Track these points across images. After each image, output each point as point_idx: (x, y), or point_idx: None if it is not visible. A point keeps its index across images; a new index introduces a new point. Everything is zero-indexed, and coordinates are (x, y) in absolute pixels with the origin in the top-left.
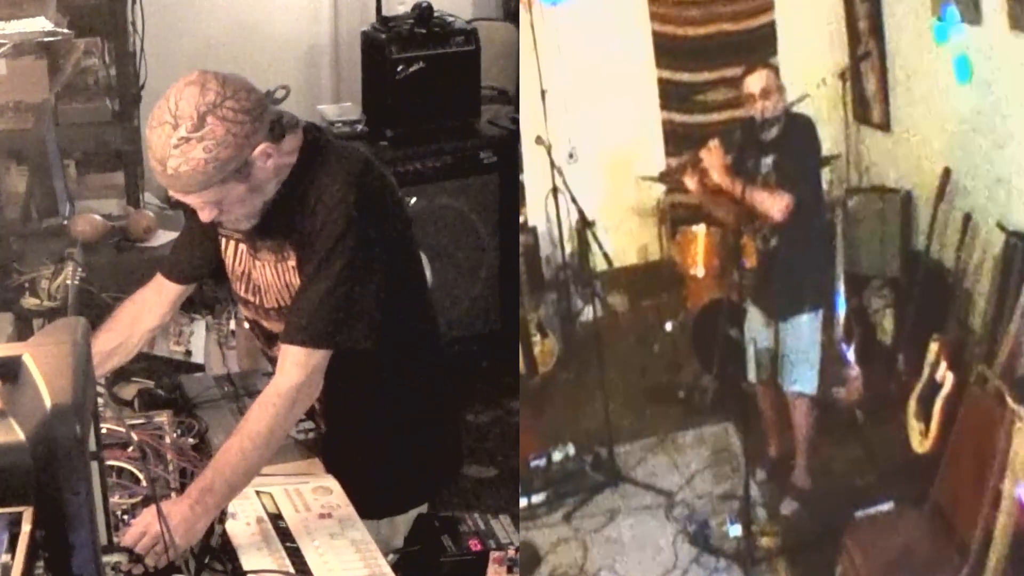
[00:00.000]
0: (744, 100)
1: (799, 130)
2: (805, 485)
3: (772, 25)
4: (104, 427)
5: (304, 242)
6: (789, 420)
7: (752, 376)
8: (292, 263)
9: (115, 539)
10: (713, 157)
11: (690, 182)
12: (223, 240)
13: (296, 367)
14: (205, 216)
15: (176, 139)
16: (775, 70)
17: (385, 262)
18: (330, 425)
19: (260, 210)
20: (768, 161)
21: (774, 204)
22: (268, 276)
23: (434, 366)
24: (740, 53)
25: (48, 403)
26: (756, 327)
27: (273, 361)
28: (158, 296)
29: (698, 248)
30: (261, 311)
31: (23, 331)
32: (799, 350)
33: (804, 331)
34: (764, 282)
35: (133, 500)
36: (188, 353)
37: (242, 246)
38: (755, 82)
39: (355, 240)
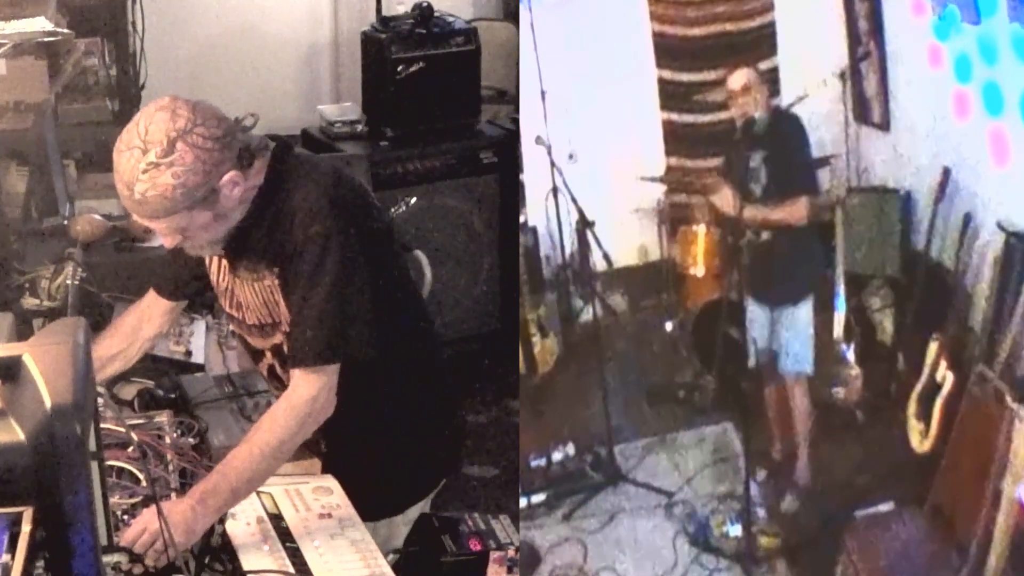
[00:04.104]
0: (728, 97)
1: (787, 127)
2: (805, 478)
3: (772, 25)
4: (104, 427)
5: (286, 261)
6: (789, 408)
7: (752, 361)
8: (268, 282)
9: (115, 539)
10: (724, 198)
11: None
12: (208, 256)
13: (307, 384)
14: (168, 243)
15: (145, 164)
16: (755, 68)
17: (371, 267)
18: (329, 439)
19: (225, 236)
20: (757, 157)
21: (793, 214)
22: (248, 294)
23: (432, 368)
24: (740, 53)
25: (48, 403)
26: (755, 313)
27: (263, 375)
28: (155, 308)
29: (698, 248)
30: (244, 326)
31: (23, 331)
32: (796, 331)
33: (800, 316)
34: (760, 270)
35: (133, 500)
36: (188, 353)
37: (224, 262)
38: (736, 80)
39: (339, 251)
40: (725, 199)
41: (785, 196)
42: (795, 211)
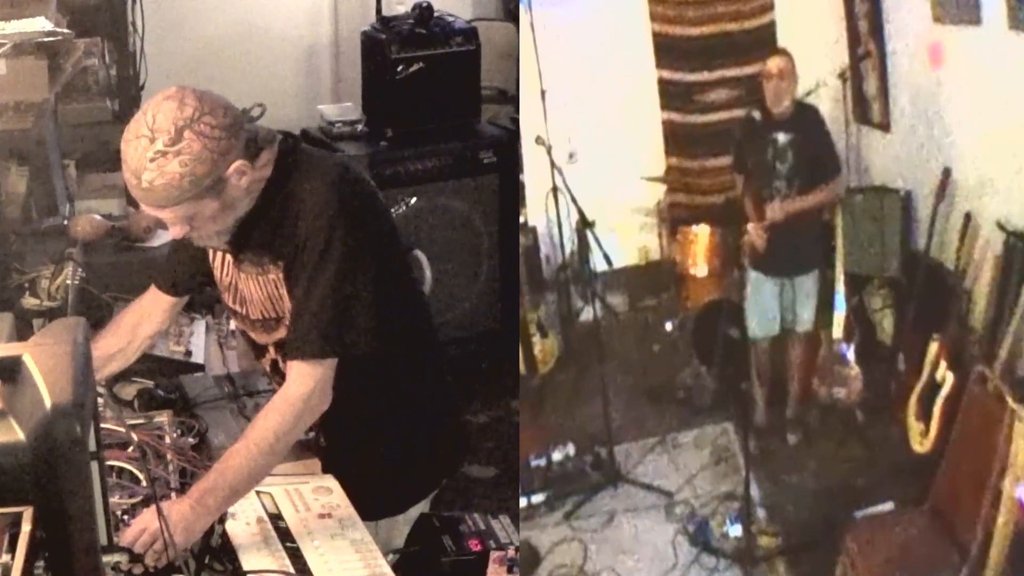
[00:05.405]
0: (764, 77)
1: (808, 115)
2: (794, 414)
3: (772, 25)
4: (104, 427)
5: (290, 254)
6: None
7: (759, 332)
8: (273, 276)
9: (115, 539)
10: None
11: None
12: (211, 251)
13: (304, 377)
14: (176, 232)
15: (152, 152)
16: (791, 58)
17: (374, 263)
18: (328, 435)
19: (231, 227)
20: (782, 137)
21: (827, 194)
22: (252, 288)
23: (431, 367)
24: (740, 53)
25: (48, 403)
26: (764, 284)
27: (265, 371)
28: (155, 305)
29: (698, 248)
30: (247, 322)
31: (23, 331)
32: (803, 296)
33: (806, 283)
34: (773, 246)
35: (133, 500)
36: (188, 353)
37: (228, 257)
38: (774, 64)
39: (342, 245)
40: (743, 192)
41: (812, 184)
42: (828, 192)
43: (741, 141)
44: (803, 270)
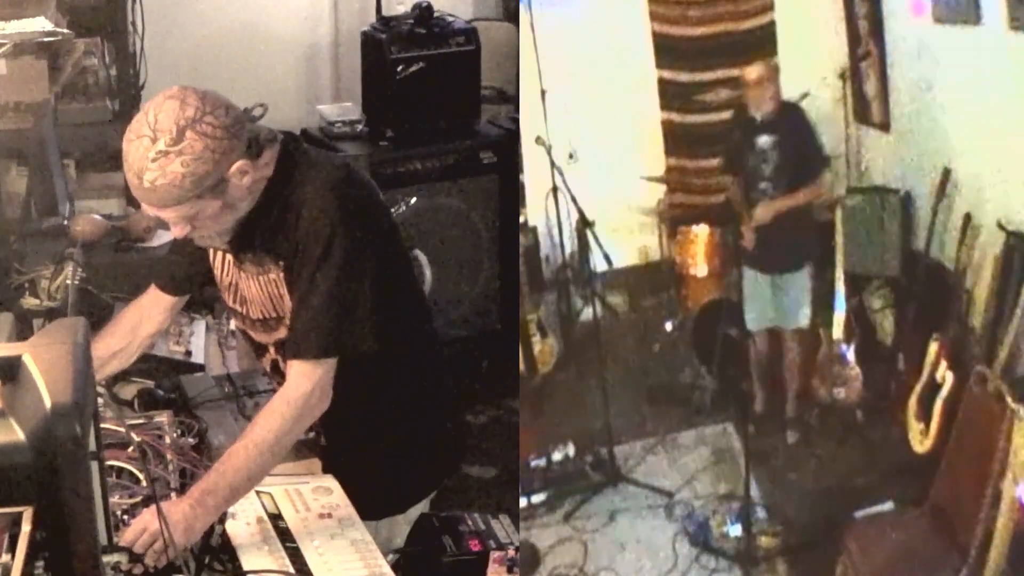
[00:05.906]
0: (742, 86)
1: (794, 117)
2: (794, 414)
3: (772, 25)
4: (104, 427)
5: (291, 254)
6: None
7: (754, 325)
8: (273, 276)
9: (115, 539)
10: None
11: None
12: (211, 250)
13: (303, 377)
14: (177, 232)
15: (154, 152)
16: (771, 62)
17: (375, 263)
18: (329, 435)
19: (233, 227)
20: (766, 146)
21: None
22: (253, 288)
23: (431, 368)
24: (740, 53)
25: (48, 403)
26: (758, 280)
27: (265, 371)
28: (155, 305)
29: (698, 248)
30: (248, 321)
31: (23, 331)
32: (797, 292)
33: (799, 280)
34: (763, 244)
35: (133, 500)
36: (188, 353)
37: (229, 256)
38: (752, 72)
39: (343, 246)
40: (734, 194)
41: (797, 183)
42: (813, 191)
43: (732, 143)
44: (795, 267)
